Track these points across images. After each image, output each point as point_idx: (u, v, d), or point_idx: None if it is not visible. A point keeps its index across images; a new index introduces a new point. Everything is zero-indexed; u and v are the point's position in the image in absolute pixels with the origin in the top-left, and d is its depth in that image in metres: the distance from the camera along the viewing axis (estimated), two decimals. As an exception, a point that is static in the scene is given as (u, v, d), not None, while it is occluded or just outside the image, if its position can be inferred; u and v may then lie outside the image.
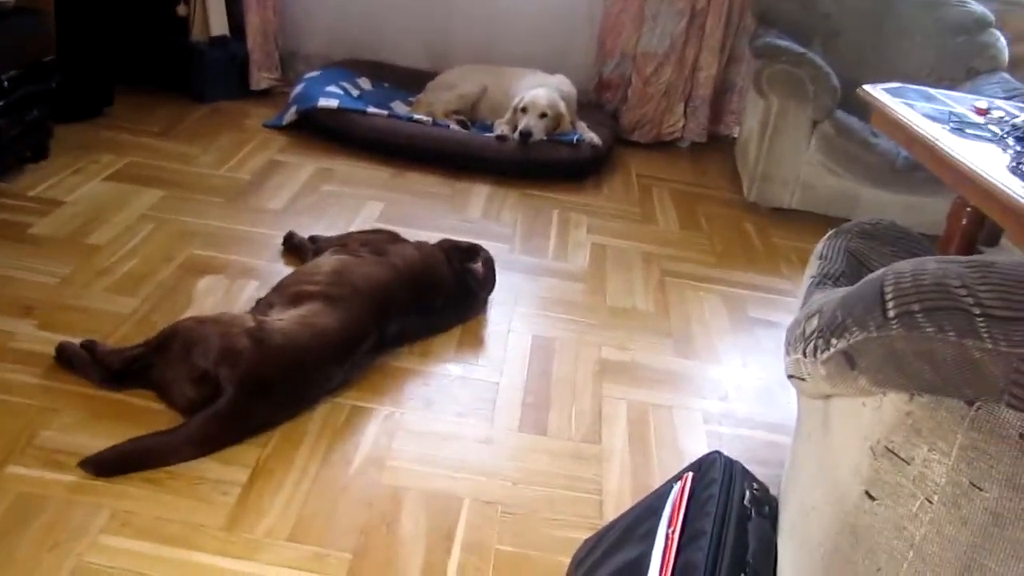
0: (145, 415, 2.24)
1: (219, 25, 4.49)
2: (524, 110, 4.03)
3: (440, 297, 2.78)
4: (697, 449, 2.39)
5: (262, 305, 2.55)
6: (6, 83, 3.22)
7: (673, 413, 2.53)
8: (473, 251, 2.96)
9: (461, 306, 2.86)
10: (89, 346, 2.37)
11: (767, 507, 1.55)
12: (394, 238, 2.97)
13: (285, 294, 2.54)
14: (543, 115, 4.02)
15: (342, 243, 2.91)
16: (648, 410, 2.53)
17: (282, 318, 2.38)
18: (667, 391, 2.63)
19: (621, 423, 2.46)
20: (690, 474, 1.68)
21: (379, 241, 2.88)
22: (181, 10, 4.46)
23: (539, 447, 2.33)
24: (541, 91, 4.09)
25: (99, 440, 2.11)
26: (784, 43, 3.92)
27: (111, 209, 3.26)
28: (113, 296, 2.72)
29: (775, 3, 4.25)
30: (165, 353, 2.28)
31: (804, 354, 1.26)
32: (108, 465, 2.05)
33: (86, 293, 2.73)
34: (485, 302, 2.96)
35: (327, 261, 2.69)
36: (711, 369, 2.79)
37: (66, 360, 2.36)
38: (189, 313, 2.63)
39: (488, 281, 2.92)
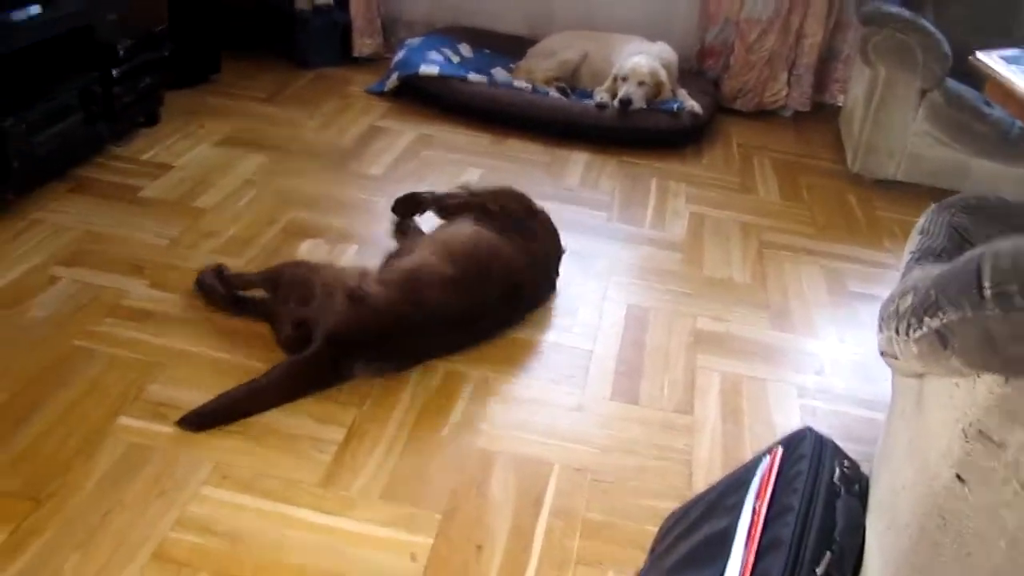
0: (242, 370, 2.32)
1: (323, -7, 4.57)
2: (624, 78, 3.99)
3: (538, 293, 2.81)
4: (790, 423, 2.36)
5: (390, 259, 2.63)
6: (122, 52, 3.34)
7: (767, 386, 2.51)
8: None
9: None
10: (218, 269, 2.61)
11: (857, 485, 1.53)
12: (530, 211, 2.85)
13: (416, 254, 2.55)
14: (643, 83, 3.98)
15: (480, 205, 2.80)
16: (742, 382, 2.51)
17: (390, 282, 2.40)
18: (762, 364, 2.61)
19: (714, 394, 2.45)
20: (780, 449, 1.67)
21: (518, 214, 2.80)
22: (287, -21, 4.56)
23: (630, 416, 2.34)
24: (642, 58, 4.05)
25: (201, 394, 2.22)
26: (893, 8, 3.79)
27: (217, 173, 3.37)
28: (219, 257, 2.82)
29: (886, -34, 4.10)
30: (274, 291, 2.48)
31: (897, 332, 1.24)
32: (204, 419, 2.16)
33: (193, 254, 2.84)
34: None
35: (463, 233, 2.65)
36: (808, 343, 2.75)
37: (201, 286, 2.59)
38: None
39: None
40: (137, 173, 3.31)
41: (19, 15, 2.91)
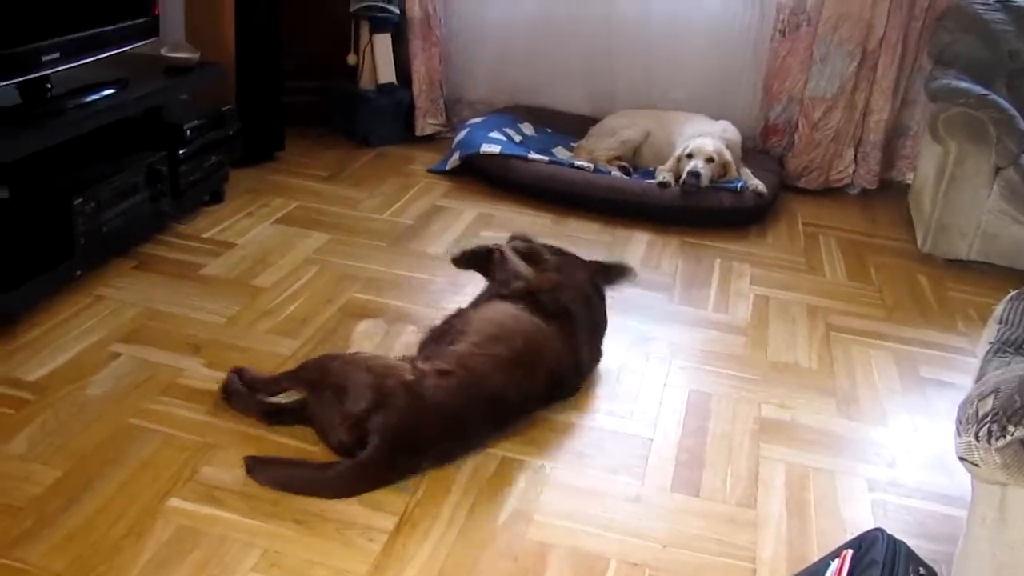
0: (298, 455, 2.30)
1: (386, 73, 4.64)
2: (690, 156, 3.97)
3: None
4: (860, 519, 2.25)
5: (429, 344, 2.56)
6: (188, 132, 3.41)
7: (835, 479, 2.40)
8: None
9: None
10: (241, 372, 2.50)
11: (935, 595, 1.44)
12: (582, 295, 2.78)
13: (466, 339, 2.48)
14: (710, 159, 3.95)
15: (534, 291, 2.72)
16: (808, 474, 2.41)
17: (448, 372, 2.34)
18: (829, 454, 2.50)
19: (779, 487, 2.35)
20: (849, 552, 1.58)
21: (567, 303, 2.71)
22: (351, 59, 4.65)
23: (691, 509, 2.25)
24: (707, 139, 4.02)
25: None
26: (963, 84, 3.72)
27: (277, 252, 3.40)
28: (275, 337, 2.83)
29: (953, 42, 4.03)
30: (318, 393, 2.34)
31: (977, 438, 1.16)
32: (267, 473, 2.18)
33: (250, 333, 2.84)
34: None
35: (510, 316, 2.60)
36: (878, 432, 2.64)
37: (229, 395, 2.47)
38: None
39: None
40: (199, 251, 3.35)
41: (93, 97, 2.99)
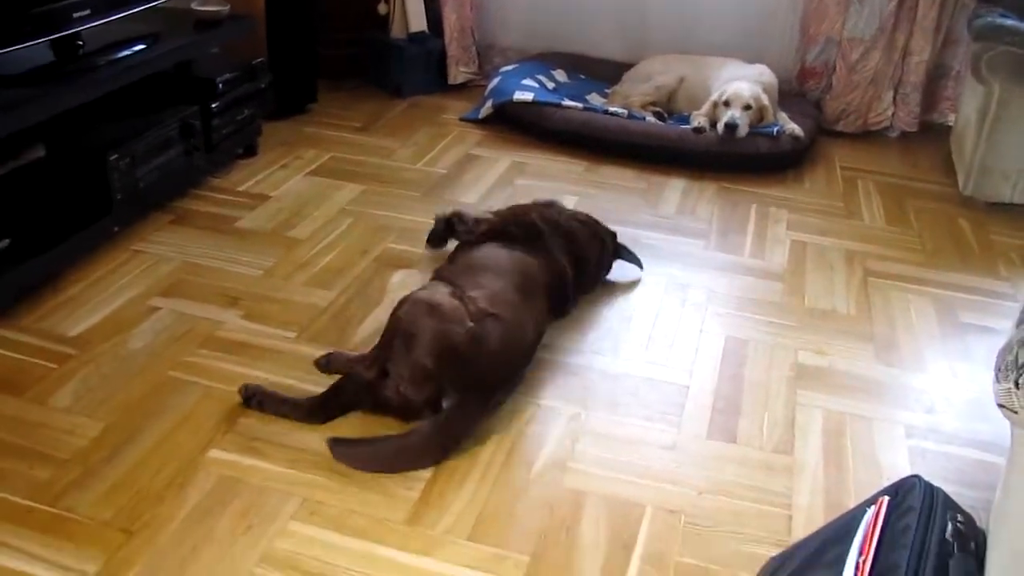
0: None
1: (417, 22, 4.61)
2: (727, 103, 3.90)
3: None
4: (898, 465, 2.24)
5: (457, 286, 2.45)
6: (221, 85, 3.41)
7: (873, 425, 2.39)
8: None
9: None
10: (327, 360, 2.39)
11: (973, 543, 1.43)
12: (547, 220, 2.81)
13: (480, 279, 2.48)
14: (747, 107, 3.89)
15: (501, 228, 2.78)
16: (845, 421, 2.40)
17: (491, 314, 2.32)
18: (867, 401, 2.49)
19: (816, 434, 2.34)
20: (886, 499, 1.57)
21: (541, 217, 2.80)
22: (381, 8, 4.62)
23: (727, 456, 2.25)
24: (744, 84, 3.96)
25: (292, 429, 2.23)
26: (1009, 22, 3.61)
27: (312, 204, 3.41)
28: (311, 289, 2.84)
29: (999, -22, 3.92)
30: (388, 345, 2.26)
31: (1017, 385, 1.14)
32: (352, 454, 2.15)
33: (286, 285, 2.86)
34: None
35: (504, 255, 2.63)
36: (916, 378, 2.61)
37: (254, 400, 2.32)
38: (382, 307, 2.71)
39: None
40: (235, 204, 3.37)
41: (125, 53, 3.00)
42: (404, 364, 2.21)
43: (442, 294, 2.32)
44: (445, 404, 2.21)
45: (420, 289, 2.40)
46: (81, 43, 2.97)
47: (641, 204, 3.60)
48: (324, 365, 2.37)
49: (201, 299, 2.76)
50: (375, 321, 2.65)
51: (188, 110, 3.24)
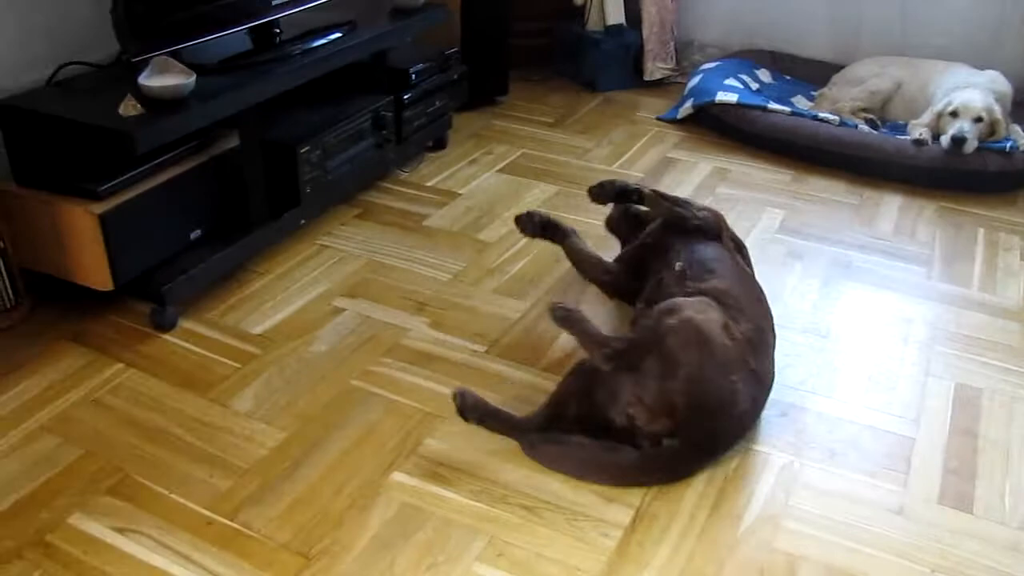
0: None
1: (615, 14, 4.40)
2: (954, 113, 3.52)
3: None
4: None
5: (725, 306, 2.16)
6: (414, 76, 3.29)
7: None
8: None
9: None
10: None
11: None
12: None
13: (737, 302, 2.18)
14: (978, 119, 3.50)
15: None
16: (1106, 496, 2.07)
17: (752, 369, 2.09)
18: None
19: (1071, 510, 2.02)
20: None
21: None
22: (578, 0, 4.42)
23: (964, 528, 1.96)
24: (975, 92, 3.56)
25: (480, 455, 2.08)
26: None
27: (503, 203, 3.26)
28: (501, 298, 2.70)
29: None
30: (637, 356, 2.03)
31: None
32: (543, 451, 2.02)
33: (475, 292, 2.72)
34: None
35: (739, 273, 2.32)
36: None
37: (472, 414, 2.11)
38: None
39: None
40: (423, 200, 3.26)
41: (322, 41, 2.90)
42: (650, 388, 1.99)
43: (715, 323, 2.04)
44: (666, 442, 2.01)
45: (690, 300, 2.10)
46: (279, 31, 2.89)
47: (854, 221, 3.28)
48: (561, 317, 2.09)
49: (386, 302, 2.65)
50: (571, 339, 2.44)
51: (381, 101, 3.14)
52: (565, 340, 2.48)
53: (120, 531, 1.86)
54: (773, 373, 2.22)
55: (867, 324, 2.66)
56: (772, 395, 2.30)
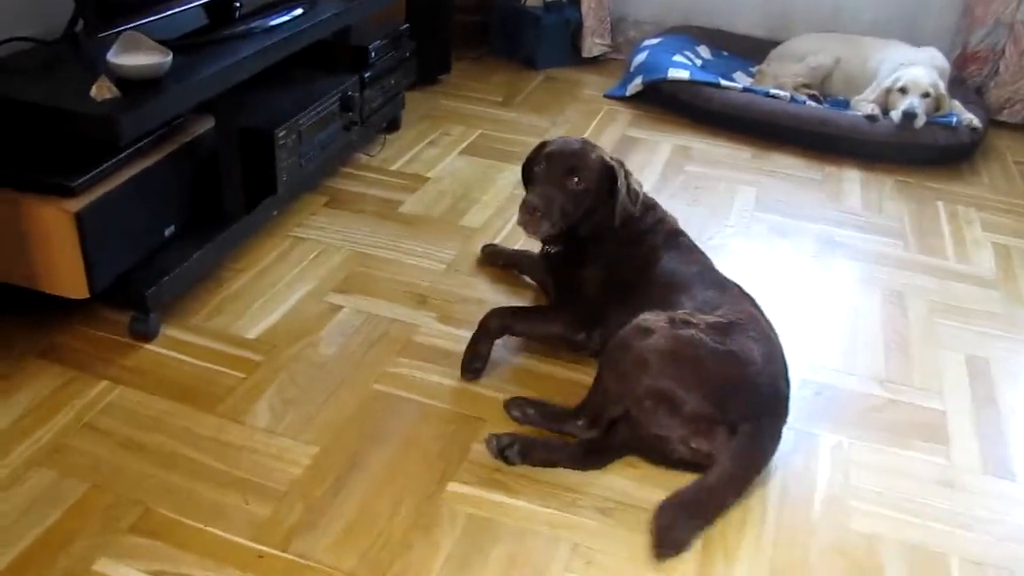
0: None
1: (556, -12, 4.28)
2: (903, 90, 3.57)
3: None
4: None
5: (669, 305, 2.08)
6: (372, 54, 3.09)
7: None
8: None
9: None
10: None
11: None
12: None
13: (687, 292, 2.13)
14: (925, 95, 3.56)
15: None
16: None
17: (728, 323, 1.99)
18: None
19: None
20: None
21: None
22: (517, -26, 4.29)
23: (1012, 495, 1.97)
24: (921, 69, 3.62)
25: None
26: None
27: (477, 188, 3.12)
28: (505, 287, 2.60)
29: None
30: (641, 413, 1.91)
31: None
32: (676, 543, 1.78)
33: (476, 283, 2.59)
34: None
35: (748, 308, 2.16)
36: None
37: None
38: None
39: None
40: (391, 186, 3.07)
41: (285, 18, 2.66)
42: (678, 425, 1.87)
43: (663, 328, 1.91)
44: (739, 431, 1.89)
45: (635, 333, 1.92)
46: (239, 4, 2.64)
47: (823, 198, 3.28)
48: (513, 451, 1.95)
49: (384, 297, 2.47)
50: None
51: (347, 81, 2.92)
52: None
53: (158, 575, 1.64)
54: (777, 341, 2.07)
55: (867, 298, 2.67)
56: (803, 374, 2.27)
